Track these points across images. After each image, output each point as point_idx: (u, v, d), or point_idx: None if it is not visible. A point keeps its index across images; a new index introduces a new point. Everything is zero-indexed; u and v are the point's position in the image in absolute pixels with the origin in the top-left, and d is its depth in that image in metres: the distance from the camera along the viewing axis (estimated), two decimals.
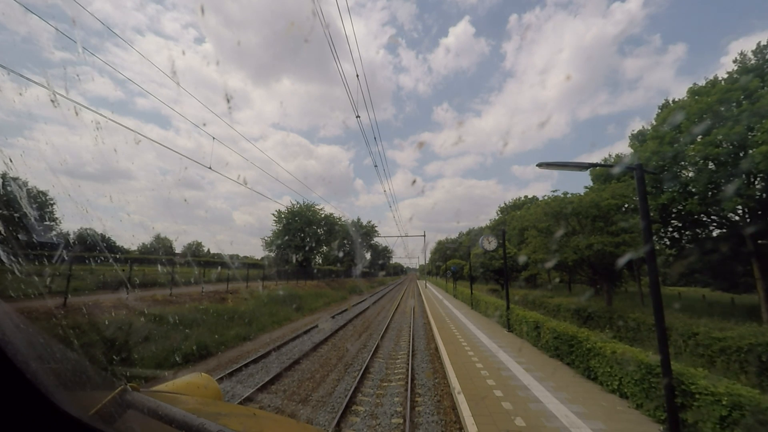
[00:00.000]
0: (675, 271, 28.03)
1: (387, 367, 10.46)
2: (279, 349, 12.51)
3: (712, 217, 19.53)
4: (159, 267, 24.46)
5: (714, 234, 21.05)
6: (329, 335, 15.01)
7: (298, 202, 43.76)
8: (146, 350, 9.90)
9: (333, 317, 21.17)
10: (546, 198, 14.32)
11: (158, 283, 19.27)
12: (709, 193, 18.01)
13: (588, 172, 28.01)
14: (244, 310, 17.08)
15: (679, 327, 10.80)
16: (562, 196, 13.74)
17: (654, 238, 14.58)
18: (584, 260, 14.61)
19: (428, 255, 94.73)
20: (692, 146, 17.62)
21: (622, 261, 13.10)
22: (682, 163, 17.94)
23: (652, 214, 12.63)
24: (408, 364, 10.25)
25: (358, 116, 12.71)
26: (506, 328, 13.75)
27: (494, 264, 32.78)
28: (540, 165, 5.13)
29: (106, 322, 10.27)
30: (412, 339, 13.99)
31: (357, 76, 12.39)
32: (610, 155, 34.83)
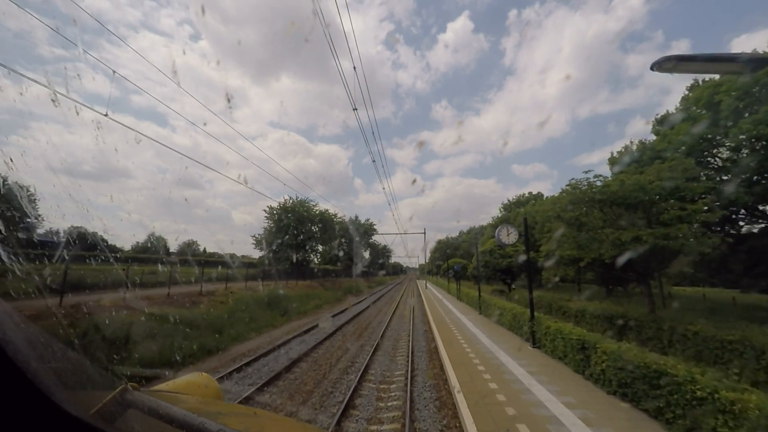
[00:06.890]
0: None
1: (378, 391, 8.04)
2: (252, 364, 10.15)
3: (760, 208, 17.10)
4: (158, 266, 22.65)
5: (755, 229, 18.64)
6: (315, 345, 12.60)
7: (291, 198, 41.16)
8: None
9: (330, 318, 18.75)
10: (573, 183, 11.83)
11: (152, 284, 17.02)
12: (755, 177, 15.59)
13: (607, 160, 25.57)
14: (216, 316, 14.71)
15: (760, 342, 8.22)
16: (594, 178, 11.28)
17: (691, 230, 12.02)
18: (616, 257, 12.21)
19: (428, 254, 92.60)
20: (737, 126, 15.18)
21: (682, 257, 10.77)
22: (728, 144, 15.47)
23: (693, 206, 10.12)
24: (406, 391, 7.84)
25: (355, 108, 11.90)
26: (530, 343, 11.14)
27: (501, 263, 30.30)
28: (654, 66, 2.70)
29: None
30: (411, 352, 11.60)
31: (354, 68, 11.52)
32: (612, 153, 32.57)
